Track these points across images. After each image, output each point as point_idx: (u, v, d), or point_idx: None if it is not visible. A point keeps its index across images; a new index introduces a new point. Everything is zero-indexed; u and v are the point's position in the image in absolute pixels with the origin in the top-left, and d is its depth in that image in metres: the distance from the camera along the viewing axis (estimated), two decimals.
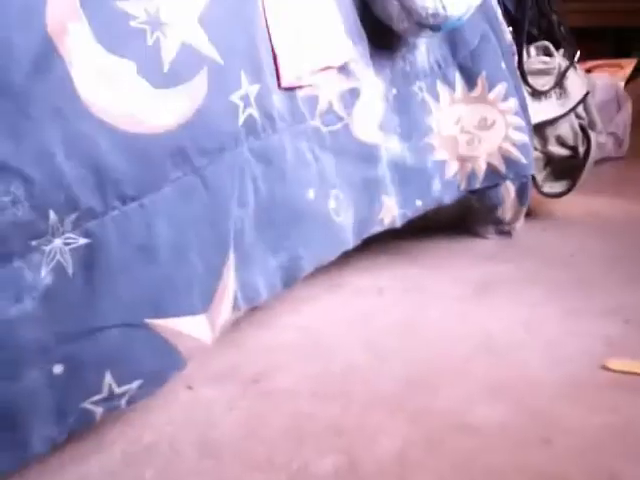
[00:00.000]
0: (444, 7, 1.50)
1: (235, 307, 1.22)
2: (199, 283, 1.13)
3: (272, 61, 1.28)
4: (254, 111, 1.23)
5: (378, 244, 1.66)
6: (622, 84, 2.35)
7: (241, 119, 1.21)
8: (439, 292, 1.58)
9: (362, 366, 1.31)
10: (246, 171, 1.22)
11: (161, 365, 1.10)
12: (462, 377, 1.29)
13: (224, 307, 1.18)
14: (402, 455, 1.09)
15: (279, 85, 1.29)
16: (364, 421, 1.17)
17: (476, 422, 1.17)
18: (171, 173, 1.10)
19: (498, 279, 1.62)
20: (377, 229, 1.52)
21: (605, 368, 1.31)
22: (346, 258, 1.52)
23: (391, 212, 1.53)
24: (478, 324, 1.46)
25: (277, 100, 1.29)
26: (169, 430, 1.14)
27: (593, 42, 2.68)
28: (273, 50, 1.29)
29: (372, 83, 1.51)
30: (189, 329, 1.12)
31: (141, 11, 1.08)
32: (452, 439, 1.14)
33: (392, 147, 1.54)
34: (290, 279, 1.32)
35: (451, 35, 1.63)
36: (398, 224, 1.56)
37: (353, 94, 1.46)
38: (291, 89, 1.32)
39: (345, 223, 1.43)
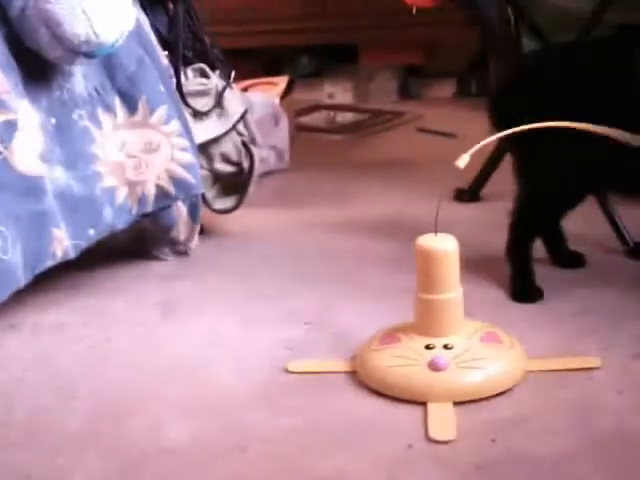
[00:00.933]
0: (96, 34, 1.49)
1: None
2: None
3: None
4: None
5: (55, 277, 1.61)
6: (277, 100, 2.47)
7: None
8: (122, 319, 1.57)
9: (48, 407, 1.27)
10: None
11: None
12: (153, 401, 1.29)
13: None
14: None
15: None
16: (54, 465, 1.14)
17: (171, 443, 1.18)
18: None
19: (180, 299, 1.64)
20: (50, 263, 1.47)
21: (288, 371, 1.37)
22: (22, 296, 1.47)
23: (62, 244, 1.49)
24: (165, 345, 1.47)
25: None
26: None
27: (246, 62, 2.79)
28: None
29: (28, 114, 1.47)
30: None
31: None
32: (150, 465, 1.14)
33: (57, 178, 1.51)
34: None
35: (107, 61, 1.63)
36: (72, 255, 1.52)
37: (10, 126, 1.41)
38: None
39: (14, 261, 1.37)
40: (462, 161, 1.38)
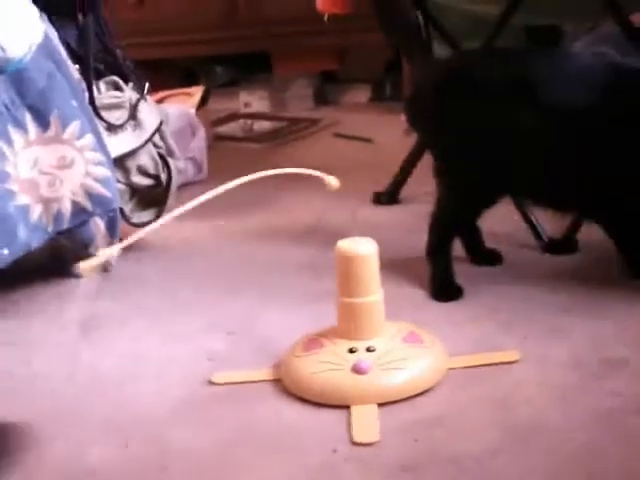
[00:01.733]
0: (3, 49, 1.47)
1: None
2: None
3: None
4: None
5: None
6: (193, 111, 2.46)
7: None
8: (43, 340, 1.54)
9: None
10: None
11: None
12: (75, 422, 1.27)
13: None
14: None
15: None
16: None
17: (93, 464, 1.16)
18: None
19: (101, 316, 1.62)
20: None
21: (211, 383, 1.36)
22: None
23: None
24: (87, 365, 1.45)
25: None
26: None
27: (160, 74, 2.77)
28: None
29: None
30: None
31: None
32: None
33: None
34: None
35: (16, 76, 1.60)
36: None
37: None
38: None
39: None
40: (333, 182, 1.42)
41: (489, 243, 1.75)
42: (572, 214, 1.69)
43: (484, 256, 1.74)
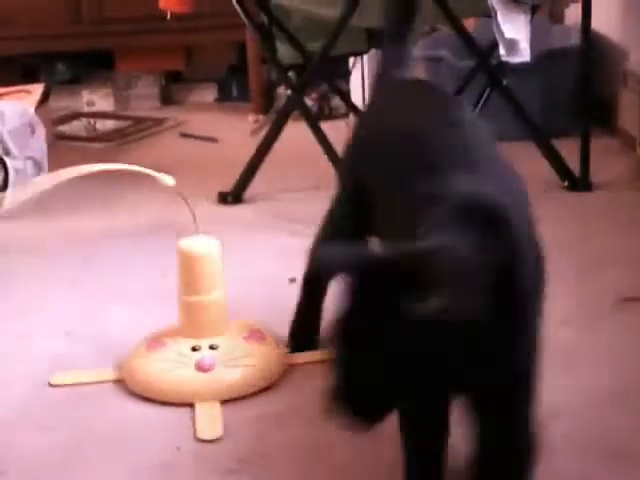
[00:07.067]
0: None
1: None
2: None
3: None
4: None
5: None
6: (33, 109, 2.38)
7: None
8: None
9: None
10: None
11: None
12: None
13: None
14: None
15: None
16: None
17: None
18: None
19: None
20: None
21: (51, 385, 1.33)
22: None
23: None
24: None
25: None
26: None
27: None
28: None
29: None
30: None
31: None
32: None
33: None
34: None
35: None
36: None
37: None
38: None
39: None
40: (168, 180, 1.42)
41: None
42: None
43: None
